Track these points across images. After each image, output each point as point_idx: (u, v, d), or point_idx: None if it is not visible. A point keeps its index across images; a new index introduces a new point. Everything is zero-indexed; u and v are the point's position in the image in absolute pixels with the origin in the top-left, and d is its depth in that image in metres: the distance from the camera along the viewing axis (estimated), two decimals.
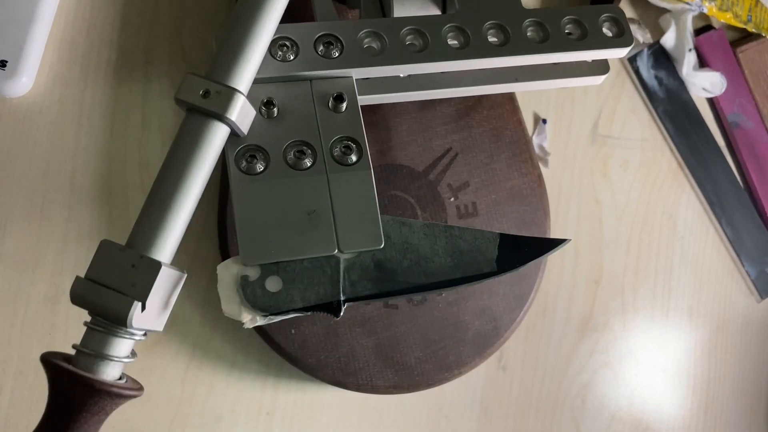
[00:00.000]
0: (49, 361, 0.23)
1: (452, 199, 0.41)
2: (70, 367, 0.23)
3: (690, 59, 0.49)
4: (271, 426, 0.40)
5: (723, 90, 0.50)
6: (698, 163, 0.50)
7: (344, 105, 0.30)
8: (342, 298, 0.29)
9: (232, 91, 0.27)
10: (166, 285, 0.25)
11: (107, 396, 0.23)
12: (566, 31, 0.34)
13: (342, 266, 0.29)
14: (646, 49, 0.50)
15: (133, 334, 0.24)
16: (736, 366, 0.50)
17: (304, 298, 0.28)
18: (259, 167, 0.29)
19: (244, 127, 0.28)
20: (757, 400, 0.51)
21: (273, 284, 0.28)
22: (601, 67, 0.37)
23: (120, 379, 0.25)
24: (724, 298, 0.50)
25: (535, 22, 0.34)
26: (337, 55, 0.31)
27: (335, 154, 0.30)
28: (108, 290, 0.24)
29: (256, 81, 0.29)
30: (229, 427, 0.39)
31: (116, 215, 0.39)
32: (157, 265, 0.24)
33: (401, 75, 0.34)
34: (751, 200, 0.51)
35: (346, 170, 0.29)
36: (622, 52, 0.35)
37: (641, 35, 0.50)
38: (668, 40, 0.49)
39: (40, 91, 0.39)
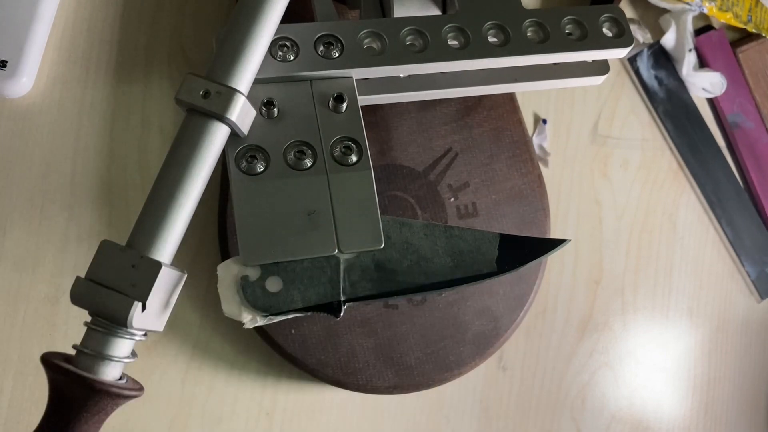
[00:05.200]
0: (50, 361, 0.23)
1: (452, 199, 0.41)
2: (71, 368, 0.23)
3: (690, 59, 0.49)
4: (271, 426, 0.40)
5: (723, 90, 0.50)
6: (698, 163, 0.50)
7: (344, 105, 0.30)
8: (342, 299, 0.29)
9: (233, 92, 0.27)
10: (166, 285, 0.25)
11: (107, 396, 0.23)
12: (566, 31, 0.34)
13: (342, 266, 0.29)
14: (646, 49, 0.50)
15: (133, 334, 0.24)
16: (736, 366, 0.50)
17: (304, 299, 0.28)
18: (260, 167, 0.29)
19: (245, 128, 0.28)
20: (757, 400, 0.51)
21: (273, 284, 0.28)
22: (601, 67, 0.37)
23: (120, 379, 0.25)
24: (724, 298, 0.50)
25: (535, 23, 0.34)
26: (337, 55, 0.31)
27: (335, 154, 0.30)
28: (108, 290, 0.24)
29: (257, 81, 0.29)
30: (229, 427, 0.39)
31: (116, 215, 0.39)
32: (157, 266, 0.24)
33: (401, 75, 0.34)
34: (751, 200, 0.51)
35: (346, 170, 0.29)
36: (622, 53, 0.35)
37: (641, 35, 0.50)
38: (668, 40, 0.49)
39: (40, 91, 0.39)
